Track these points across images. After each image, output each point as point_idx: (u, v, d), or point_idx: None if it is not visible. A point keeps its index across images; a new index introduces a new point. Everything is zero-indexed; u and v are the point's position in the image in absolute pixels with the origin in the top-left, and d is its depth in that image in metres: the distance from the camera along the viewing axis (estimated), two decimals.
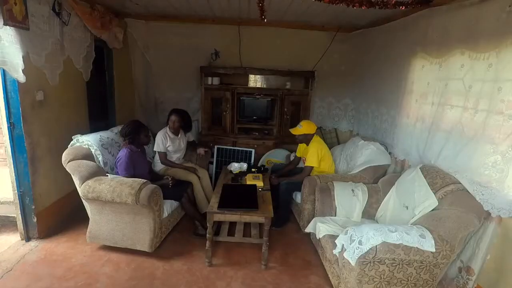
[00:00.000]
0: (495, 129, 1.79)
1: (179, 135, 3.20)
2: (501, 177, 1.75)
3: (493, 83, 1.81)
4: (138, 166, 2.63)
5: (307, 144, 3.07)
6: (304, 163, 3.10)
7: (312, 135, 3.06)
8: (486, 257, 1.86)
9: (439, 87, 2.31)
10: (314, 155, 2.97)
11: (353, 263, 1.78)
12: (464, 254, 1.97)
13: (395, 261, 1.77)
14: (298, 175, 3.03)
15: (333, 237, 2.10)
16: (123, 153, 2.56)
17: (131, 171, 2.54)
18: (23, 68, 2.17)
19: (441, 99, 2.29)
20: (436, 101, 2.34)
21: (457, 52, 2.14)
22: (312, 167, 2.99)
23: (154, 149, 3.07)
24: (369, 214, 2.49)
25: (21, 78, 2.17)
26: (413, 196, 2.16)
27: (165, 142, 3.05)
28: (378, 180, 2.72)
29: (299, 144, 3.23)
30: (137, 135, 2.63)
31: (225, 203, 2.39)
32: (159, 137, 3.03)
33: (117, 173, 2.57)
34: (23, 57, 2.18)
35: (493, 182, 1.79)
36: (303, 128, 3.01)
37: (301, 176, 2.95)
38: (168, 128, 3.11)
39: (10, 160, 2.43)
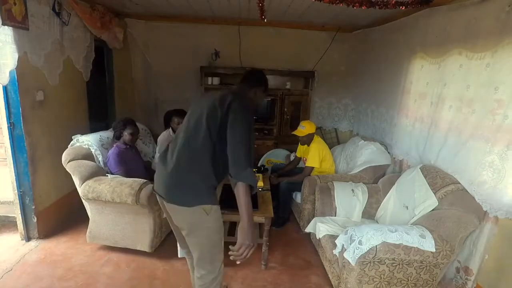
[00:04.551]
0: (492, 129, 1.79)
1: None
2: (498, 177, 1.74)
3: (490, 83, 1.80)
4: (130, 162, 2.61)
5: (308, 145, 3.07)
6: (304, 163, 3.10)
7: (313, 134, 3.06)
8: (484, 257, 1.86)
9: (438, 87, 2.31)
10: (315, 155, 2.98)
11: (353, 263, 1.79)
12: (461, 254, 1.97)
13: (395, 261, 1.77)
14: (298, 175, 3.02)
15: (333, 237, 2.10)
16: (110, 151, 2.57)
17: (124, 166, 2.53)
18: (12, 69, 2.10)
19: (439, 99, 2.28)
20: (434, 101, 2.34)
21: (455, 52, 2.13)
22: (312, 168, 2.99)
23: (158, 151, 3.06)
24: (369, 214, 2.49)
25: (5, 80, 2.06)
26: (413, 196, 2.17)
27: None
28: (378, 180, 2.72)
29: (300, 144, 3.23)
30: (122, 132, 2.60)
31: (225, 203, 2.37)
32: (164, 138, 2.99)
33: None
34: (19, 57, 2.14)
35: (491, 182, 1.79)
36: (306, 128, 3.01)
37: (301, 176, 2.95)
38: (171, 130, 3.09)
39: (10, 160, 2.43)
